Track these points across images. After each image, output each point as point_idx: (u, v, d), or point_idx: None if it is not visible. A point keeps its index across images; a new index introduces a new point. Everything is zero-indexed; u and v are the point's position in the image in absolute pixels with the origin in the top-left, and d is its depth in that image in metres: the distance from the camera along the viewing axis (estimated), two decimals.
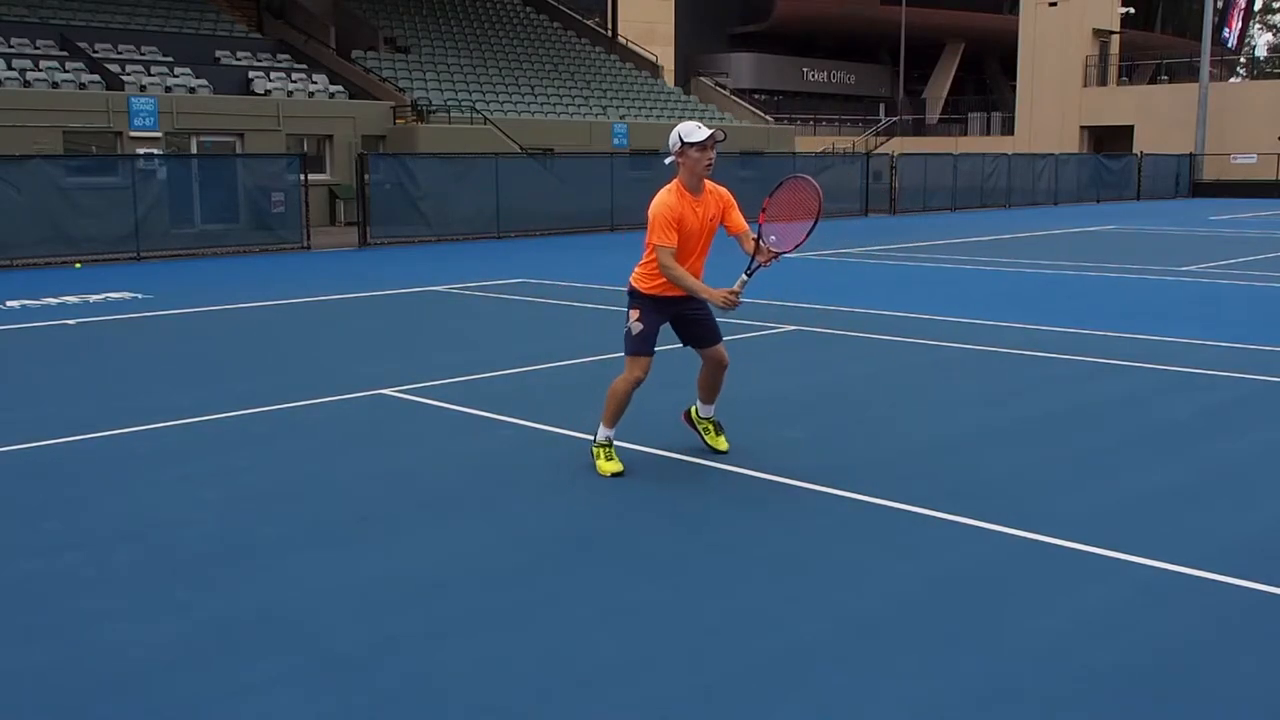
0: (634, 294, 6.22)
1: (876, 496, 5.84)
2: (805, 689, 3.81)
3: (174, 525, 5.48)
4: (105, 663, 4.02)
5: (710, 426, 6.65)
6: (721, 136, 6.02)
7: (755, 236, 6.03)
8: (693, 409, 6.71)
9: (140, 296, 14.42)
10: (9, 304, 13.67)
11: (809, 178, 6.27)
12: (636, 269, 6.23)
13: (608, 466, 6.19)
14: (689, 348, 6.48)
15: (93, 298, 14.28)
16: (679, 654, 4.07)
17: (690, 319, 6.30)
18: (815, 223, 6.09)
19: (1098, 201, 40.37)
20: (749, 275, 5.99)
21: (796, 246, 6.13)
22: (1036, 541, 5.19)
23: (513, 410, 7.83)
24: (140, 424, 7.44)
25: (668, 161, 6.06)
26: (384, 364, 9.58)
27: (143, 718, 3.64)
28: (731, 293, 5.87)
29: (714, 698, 3.76)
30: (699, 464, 6.44)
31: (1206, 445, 6.97)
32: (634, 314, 6.17)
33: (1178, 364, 9.53)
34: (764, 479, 6.17)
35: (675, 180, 6.05)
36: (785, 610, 4.47)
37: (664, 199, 5.99)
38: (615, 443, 6.34)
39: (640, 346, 6.17)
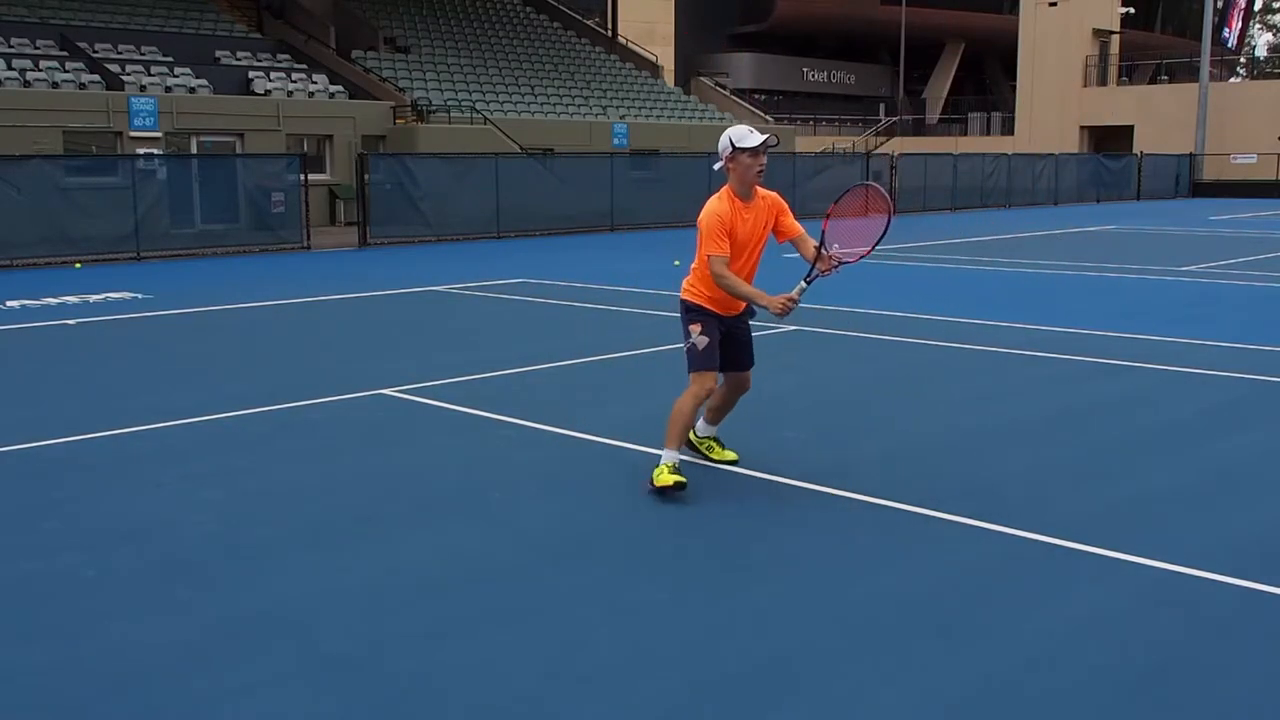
0: (689, 309, 5.92)
1: (876, 496, 5.84)
2: (805, 689, 3.81)
3: (174, 525, 5.48)
4: (105, 663, 4.02)
5: (713, 443, 6.44)
6: (774, 141, 5.77)
7: (818, 244, 5.73)
8: (690, 434, 6.33)
9: (140, 296, 14.42)
10: (9, 304, 13.67)
11: (877, 185, 6.07)
12: (687, 282, 5.96)
13: (670, 477, 5.76)
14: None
15: (93, 298, 14.28)
16: (679, 654, 4.07)
17: (737, 340, 6.04)
18: (885, 231, 5.80)
19: (1097, 201, 40.37)
20: (808, 282, 5.66)
21: (861, 258, 5.80)
22: (1036, 541, 5.19)
23: (513, 410, 7.83)
24: (140, 424, 7.44)
25: (716, 167, 5.81)
26: (384, 364, 9.57)
27: (143, 718, 3.64)
28: (789, 299, 5.56)
29: (714, 698, 3.76)
30: (699, 464, 6.44)
31: (1206, 445, 6.97)
32: (695, 327, 5.85)
33: (1177, 364, 9.53)
34: (764, 479, 6.17)
35: (725, 187, 5.79)
36: (785, 610, 4.47)
37: (714, 207, 5.72)
38: (611, 442, 6.28)
39: (708, 361, 5.84)
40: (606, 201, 26.90)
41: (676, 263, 18.39)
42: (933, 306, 12.97)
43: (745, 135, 5.69)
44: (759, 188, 5.86)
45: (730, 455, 6.40)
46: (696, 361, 5.87)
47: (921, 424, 7.49)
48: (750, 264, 5.91)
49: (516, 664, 3.98)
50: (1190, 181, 44.61)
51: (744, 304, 5.92)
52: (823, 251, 5.69)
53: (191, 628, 4.30)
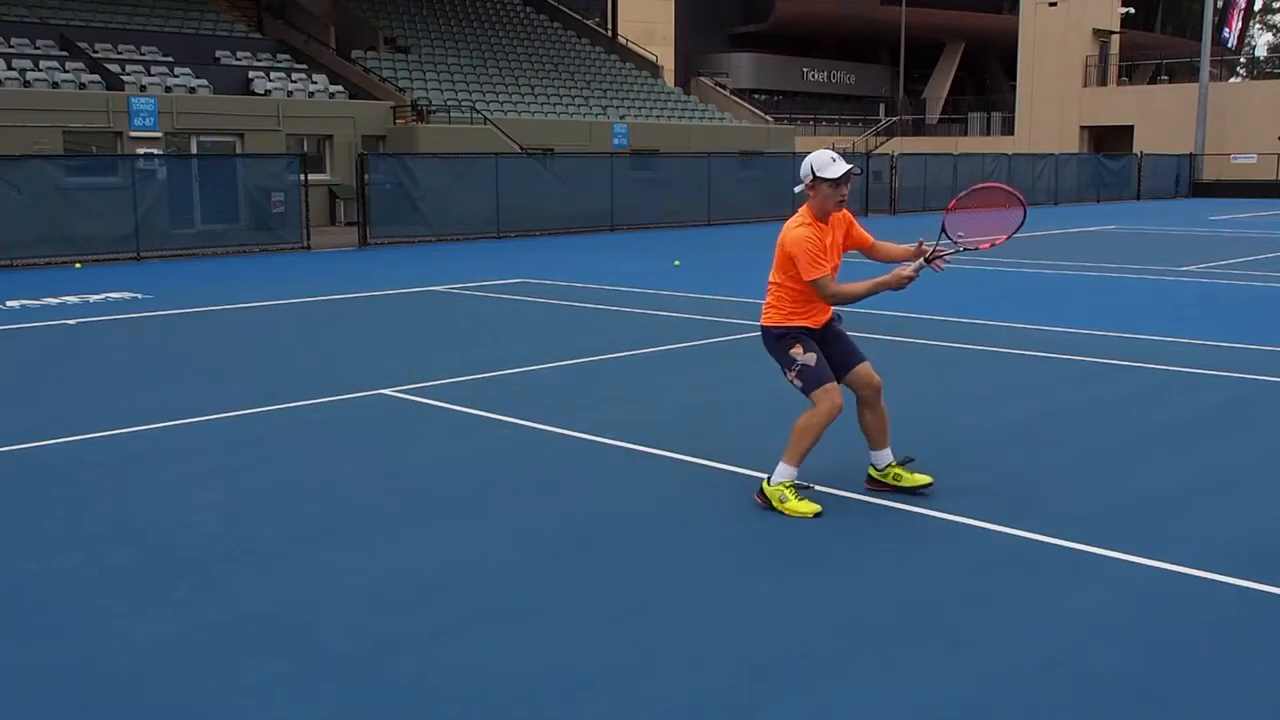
0: (779, 335, 5.68)
1: (876, 496, 5.83)
2: (805, 689, 3.80)
3: (174, 525, 5.47)
4: (105, 663, 4.02)
5: (898, 472, 5.91)
6: (858, 172, 5.67)
7: (921, 241, 5.71)
8: (870, 469, 5.97)
9: (140, 296, 14.42)
10: (9, 304, 13.67)
11: (1006, 185, 5.93)
12: (769, 309, 5.73)
13: (806, 508, 5.55)
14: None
15: (93, 298, 14.28)
16: (679, 654, 4.07)
17: (836, 337, 5.79)
18: (1023, 218, 5.74)
19: (1098, 201, 40.36)
20: (928, 262, 5.69)
21: (994, 244, 5.69)
22: (1036, 541, 5.19)
23: (513, 410, 7.83)
24: (140, 424, 7.44)
25: (798, 190, 5.69)
26: (384, 364, 9.57)
27: (143, 718, 3.64)
28: (906, 274, 5.60)
29: (714, 698, 3.76)
30: (699, 464, 6.44)
31: (1207, 445, 6.96)
32: (797, 349, 5.60)
33: (1178, 364, 9.52)
34: (764, 479, 6.15)
35: (804, 209, 5.65)
36: (785, 610, 4.47)
37: (802, 233, 5.54)
38: (611, 442, 6.27)
39: (824, 375, 5.58)
40: (606, 201, 26.90)
41: (677, 263, 18.39)
42: (933, 306, 12.97)
43: (828, 165, 5.55)
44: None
45: (922, 479, 5.85)
46: (812, 379, 5.59)
47: (921, 424, 7.49)
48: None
49: (516, 664, 3.98)
50: (1190, 181, 44.60)
51: (830, 311, 5.78)
52: (937, 246, 5.71)
53: (191, 628, 4.30)
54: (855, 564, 5.00)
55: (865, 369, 5.76)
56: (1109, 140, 51.46)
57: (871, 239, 5.89)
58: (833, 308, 5.77)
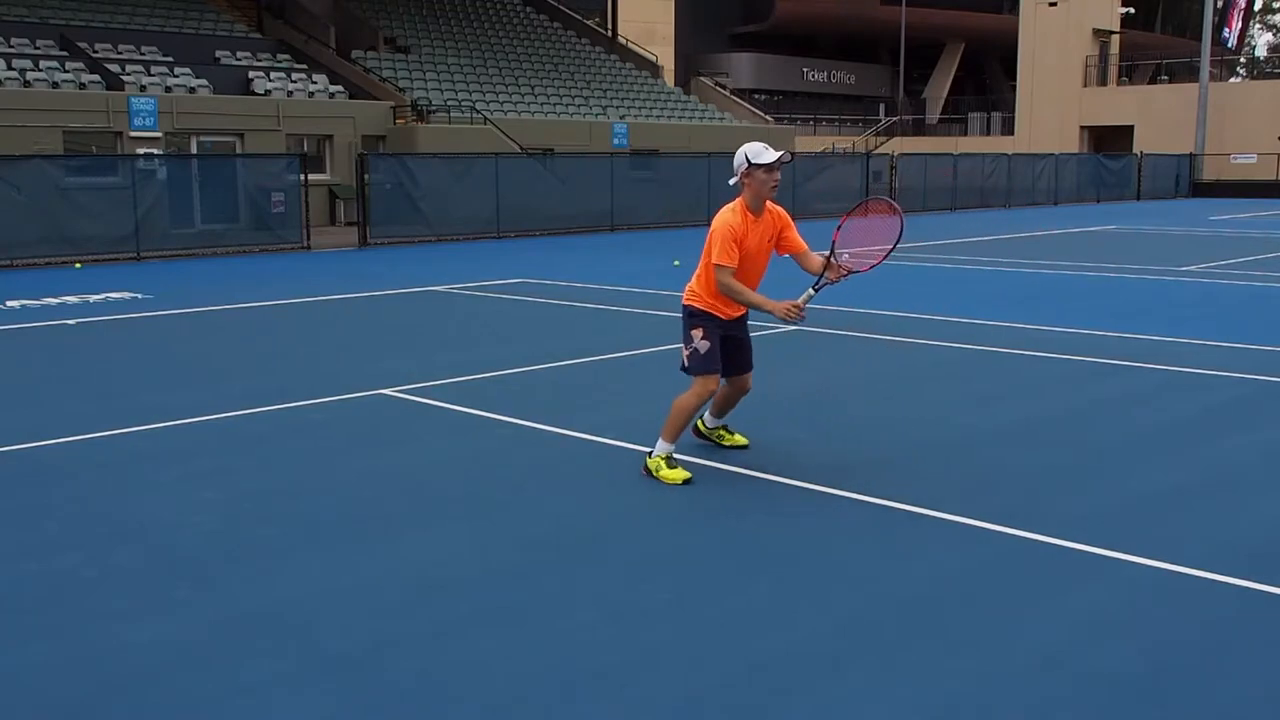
0: (692, 314, 6.11)
1: (876, 496, 5.84)
2: (805, 689, 3.80)
3: (174, 525, 5.48)
4: (105, 663, 4.02)
5: (722, 431, 6.70)
6: (789, 158, 5.92)
7: (826, 254, 5.89)
8: (699, 422, 6.70)
9: (140, 296, 14.42)
10: (9, 304, 13.67)
11: (891, 200, 6.20)
12: (690, 287, 6.16)
13: (677, 475, 6.05)
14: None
15: (93, 298, 14.28)
16: (679, 654, 4.07)
17: (738, 342, 6.27)
18: (897, 242, 5.93)
19: (1098, 201, 40.37)
20: (816, 290, 5.87)
21: (872, 268, 6.00)
22: (1036, 541, 5.19)
23: (513, 410, 7.83)
24: (140, 424, 7.44)
25: (732, 182, 5.98)
26: (384, 364, 9.57)
27: (143, 717, 3.64)
28: (795, 305, 5.77)
29: (714, 698, 3.76)
30: (699, 464, 6.44)
31: (1206, 445, 6.97)
32: (698, 332, 6.05)
33: (1178, 364, 9.53)
34: (764, 479, 6.17)
35: (738, 199, 5.96)
36: (785, 610, 4.47)
37: (727, 217, 5.89)
38: (611, 442, 6.33)
39: (711, 365, 6.06)
40: (606, 201, 26.89)
41: (676, 263, 18.38)
42: (933, 306, 12.97)
43: (761, 152, 5.84)
44: (768, 202, 5.99)
45: (740, 440, 6.63)
46: (699, 365, 6.08)
47: (921, 424, 7.49)
48: (756, 273, 6.09)
49: (516, 664, 3.98)
50: (1190, 181, 44.60)
51: (745, 308, 6.09)
52: (832, 260, 5.86)
53: (192, 628, 4.30)
54: (855, 564, 5.00)
55: (747, 379, 6.43)
56: (1109, 140, 51.46)
57: (804, 246, 6.11)
58: (744, 311, 6.16)
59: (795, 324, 5.90)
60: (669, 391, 8.42)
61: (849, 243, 5.99)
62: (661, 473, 6.09)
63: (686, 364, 6.14)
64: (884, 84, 67.52)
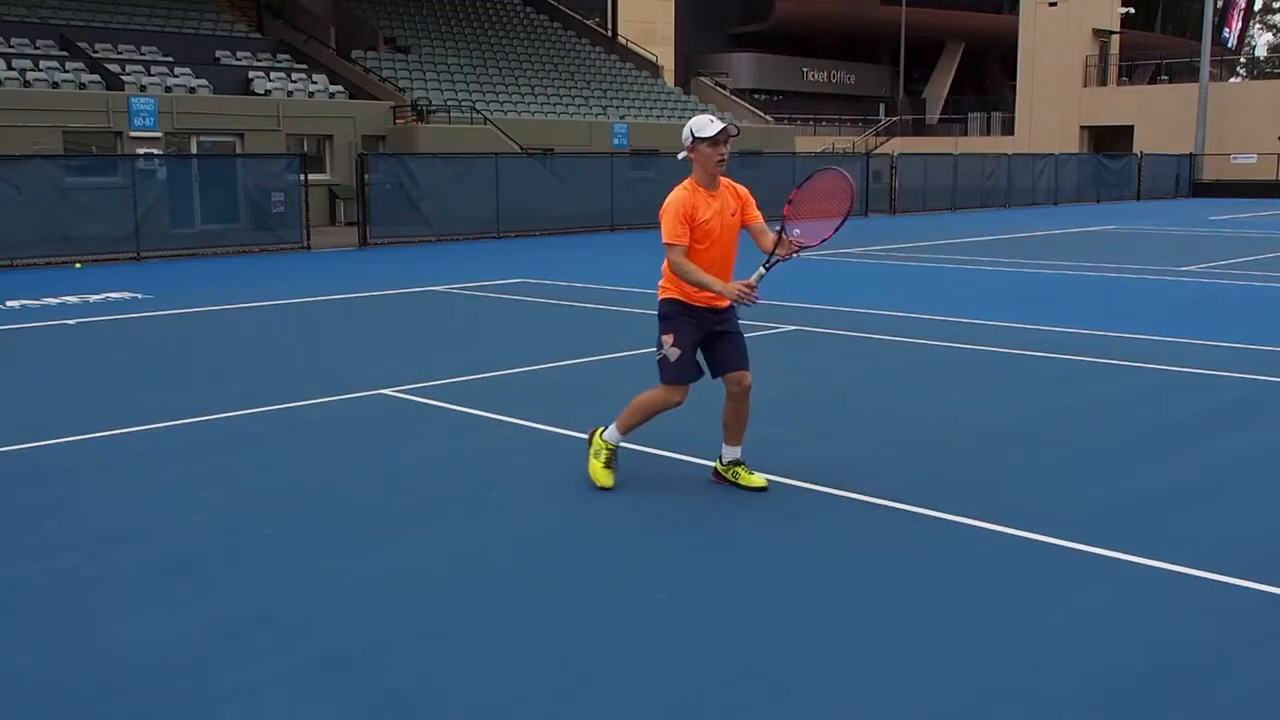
0: (664, 315, 5.80)
1: (876, 496, 5.84)
2: (805, 689, 3.80)
3: (174, 525, 5.47)
4: (105, 663, 4.02)
5: (738, 470, 6.00)
6: (735, 130, 5.71)
7: (778, 229, 5.64)
8: (717, 464, 6.10)
9: (140, 296, 14.42)
10: (9, 304, 13.66)
11: (842, 170, 5.85)
12: (661, 282, 5.86)
13: (601, 475, 5.95)
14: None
15: (93, 298, 14.28)
16: (679, 654, 4.07)
17: (726, 337, 5.83)
18: (845, 218, 5.68)
19: (1098, 201, 40.37)
20: (767, 269, 5.58)
21: (823, 241, 5.66)
22: (1036, 541, 5.19)
23: (513, 410, 7.83)
24: (140, 424, 7.44)
25: (681, 157, 5.77)
26: (384, 364, 9.57)
27: (143, 718, 3.64)
28: (748, 285, 5.48)
29: (714, 698, 3.75)
30: (699, 464, 6.44)
31: (1206, 445, 6.96)
32: (668, 338, 5.74)
33: (1178, 364, 9.52)
34: (764, 479, 6.16)
35: (689, 178, 5.72)
36: (785, 610, 4.47)
37: (675, 195, 5.66)
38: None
39: (678, 375, 5.76)
40: (606, 201, 26.88)
41: None
42: (933, 306, 12.97)
43: (705, 125, 5.60)
44: (724, 179, 5.76)
45: (758, 481, 5.96)
46: (667, 374, 5.80)
47: (921, 424, 7.49)
48: (722, 254, 5.75)
49: (516, 664, 3.98)
50: (1190, 181, 44.60)
51: (722, 302, 5.76)
52: (783, 236, 5.60)
53: (192, 628, 4.29)
54: (855, 564, 5.00)
55: (743, 376, 5.85)
56: (1109, 140, 51.46)
57: (759, 220, 5.82)
58: (730, 303, 5.75)
59: (748, 305, 5.58)
60: None
61: (801, 214, 5.70)
62: (592, 462, 6.01)
63: (658, 367, 5.86)
64: (884, 84, 67.53)
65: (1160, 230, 26.74)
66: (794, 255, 5.61)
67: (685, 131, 5.68)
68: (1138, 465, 6.50)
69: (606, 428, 6.09)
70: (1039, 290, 14.96)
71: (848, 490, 5.93)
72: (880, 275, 16.66)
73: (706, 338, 5.81)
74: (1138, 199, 42.07)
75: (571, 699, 3.75)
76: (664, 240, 5.63)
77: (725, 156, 5.63)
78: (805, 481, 6.10)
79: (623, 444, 6.19)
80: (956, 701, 3.72)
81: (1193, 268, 17.75)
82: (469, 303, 14.03)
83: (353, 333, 11.79)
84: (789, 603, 4.54)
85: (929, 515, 5.55)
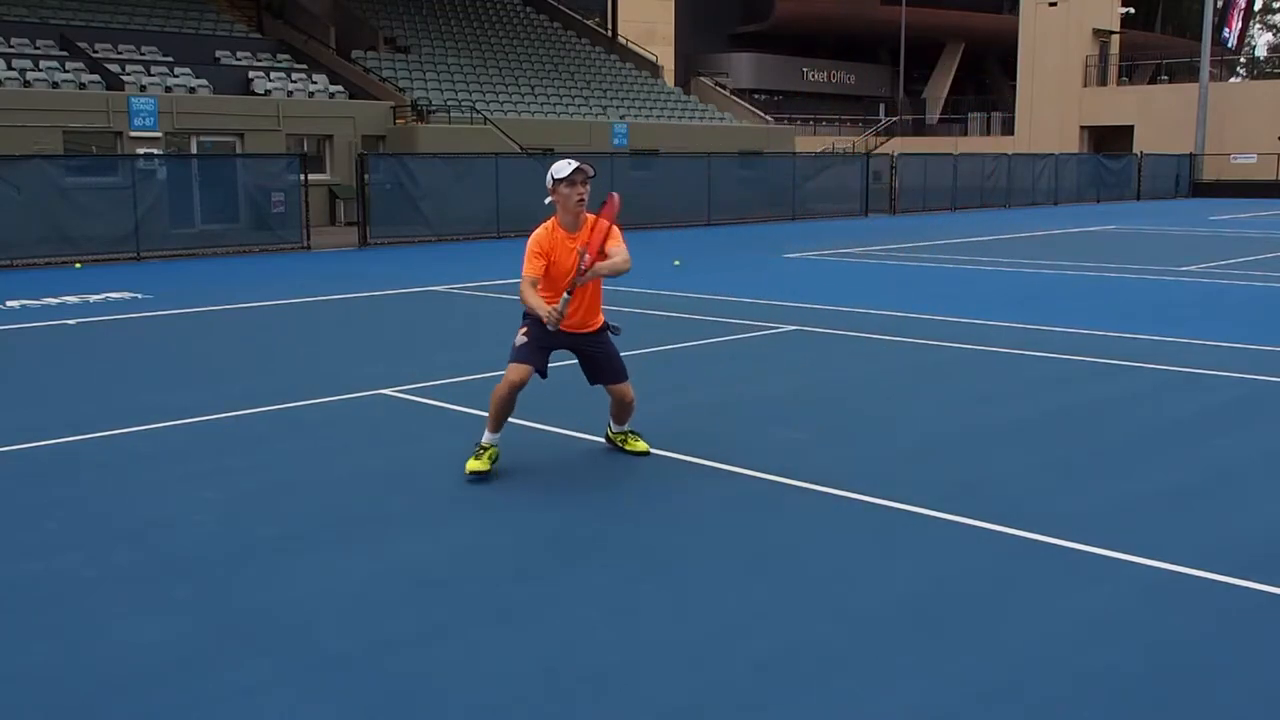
0: (526, 314, 6.31)
1: (876, 496, 5.84)
2: (805, 689, 3.80)
3: (174, 525, 5.48)
4: (105, 663, 4.02)
5: (626, 436, 6.66)
6: (591, 172, 6.15)
7: (580, 253, 6.13)
8: (607, 429, 6.76)
9: (140, 296, 14.42)
10: (9, 304, 13.66)
11: (611, 196, 6.32)
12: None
13: (473, 462, 6.16)
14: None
15: (93, 298, 14.28)
16: (679, 654, 4.07)
17: (596, 359, 6.42)
18: (595, 230, 6.17)
19: (1098, 201, 40.37)
20: (569, 293, 6.06)
21: (593, 262, 6.13)
22: (1036, 541, 5.19)
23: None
24: (140, 424, 7.44)
25: (547, 202, 6.22)
26: (384, 364, 9.57)
27: (143, 718, 3.64)
28: (553, 309, 6.01)
29: (714, 698, 3.76)
30: (699, 464, 6.44)
31: (1207, 445, 6.97)
32: (523, 330, 6.29)
33: (1178, 364, 9.53)
34: (764, 479, 6.17)
35: (552, 217, 6.24)
36: (785, 610, 4.47)
37: (533, 234, 6.23)
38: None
39: (520, 355, 6.21)
40: None
41: (677, 263, 18.38)
42: (933, 306, 12.97)
43: (562, 168, 6.09)
44: (591, 216, 6.20)
45: (641, 446, 6.58)
46: (512, 354, 6.27)
47: (921, 424, 7.49)
48: (582, 288, 6.19)
49: (516, 664, 3.98)
50: (1190, 181, 44.61)
51: (596, 323, 6.37)
52: (579, 261, 6.10)
53: (192, 628, 4.30)
54: (855, 563, 5.00)
55: (622, 389, 6.44)
56: (1109, 140, 51.46)
57: (608, 253, 6.21)
58: (600, 326, 6.38)
59: (553, 326, 6.02)
60: (667, 391, 8.43)
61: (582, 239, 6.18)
62: (470, 459, 6.19)
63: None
64: (884, 84, 67.52)
65: (1160, 230, 26.74)
66: (583, 275, 6.09)
67: (547, 177, 6.18)
68: (1138, 465, 6.50)
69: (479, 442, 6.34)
70: (1039, 290, 14.96)
71: (848, 490, 5.93)
72: (880, 275, 16.66)
73: (578, 355, 6.42)
74: (1138, 199, 42.07)
75: (571, 699, 3.75)
76: (523, 273, 6.20)
77: (585, 196, 6.13)
78: (806, 481, 6.10)
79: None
80: (956, 701, 3.72)
81: (1193, 268, 17.75)
82: (469, 303, 14.03)
83: (352, 333, 11.79)
84: (789, 603, 4.54)
85: (929, 515, 5.56)
